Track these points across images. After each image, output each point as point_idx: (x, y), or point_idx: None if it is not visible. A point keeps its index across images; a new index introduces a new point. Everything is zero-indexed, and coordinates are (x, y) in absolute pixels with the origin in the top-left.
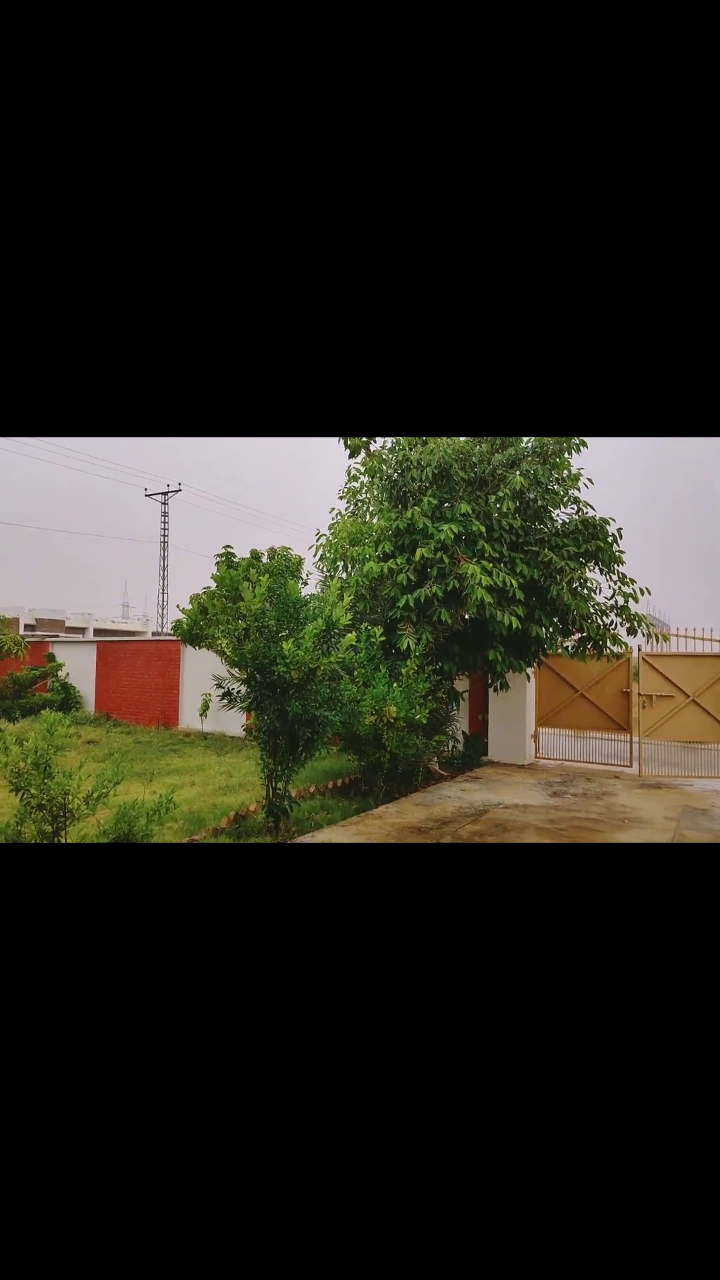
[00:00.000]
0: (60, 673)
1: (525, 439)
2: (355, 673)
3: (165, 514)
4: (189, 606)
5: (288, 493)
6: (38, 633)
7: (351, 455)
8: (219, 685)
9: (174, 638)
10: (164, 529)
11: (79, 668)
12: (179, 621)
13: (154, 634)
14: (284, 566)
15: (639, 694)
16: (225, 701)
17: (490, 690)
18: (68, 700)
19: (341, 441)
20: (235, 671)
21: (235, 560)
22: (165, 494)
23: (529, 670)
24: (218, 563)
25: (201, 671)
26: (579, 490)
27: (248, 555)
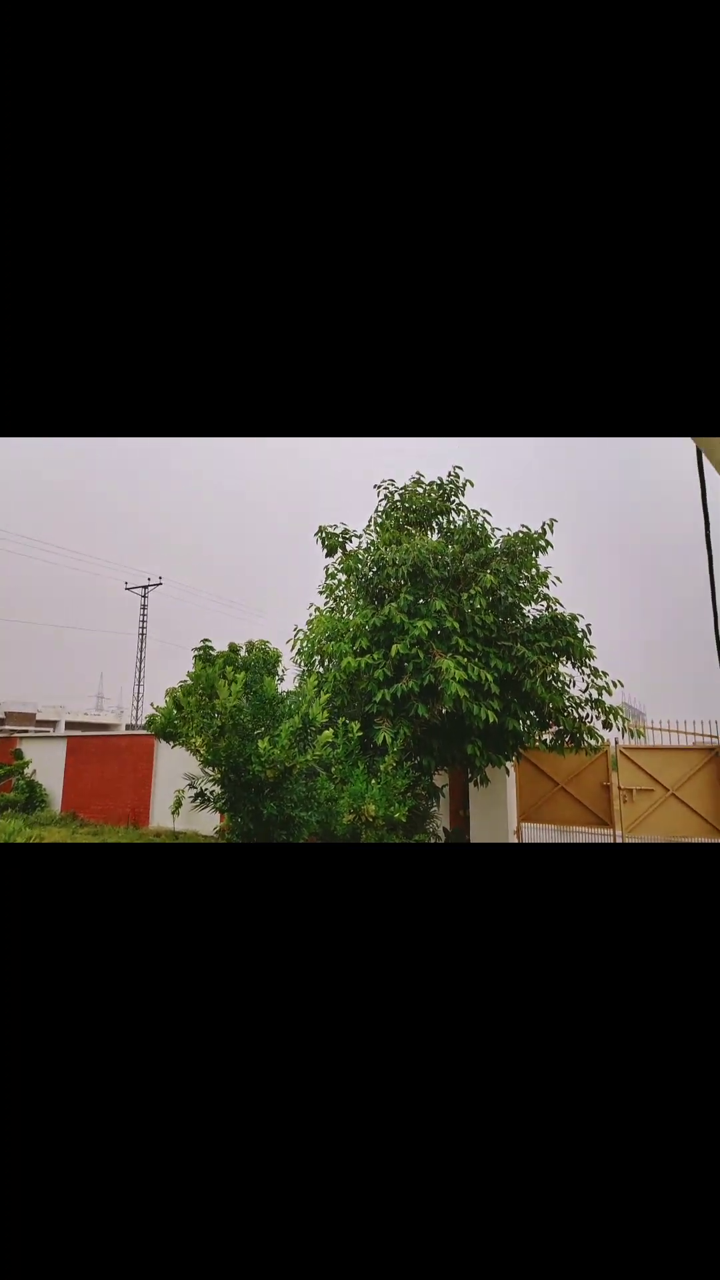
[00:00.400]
0: (27, 770)
1: (494, 540)
2: (333, 769)
3: (144, 606)
4: (164, 702)
5: (268, 584)
6: (7, 727)
7: (329, 554)
8: (191, 785)
9: (147, 733)
10: (142, 621)
11: (47, 764)
12: (153, 717)
13: (128, 727)
14: (261, 661)
15: (619, 788)
16: (198, 802)
17: (470, 785)
18: (32, 799)
19: (319, 540)
20: (209, 770)
21: (213, 654)
22: (145, 587)
23: (508, 764)
24: (195, 657)
25: (175, 767)
26: (548, 587)
27: (226, 649)
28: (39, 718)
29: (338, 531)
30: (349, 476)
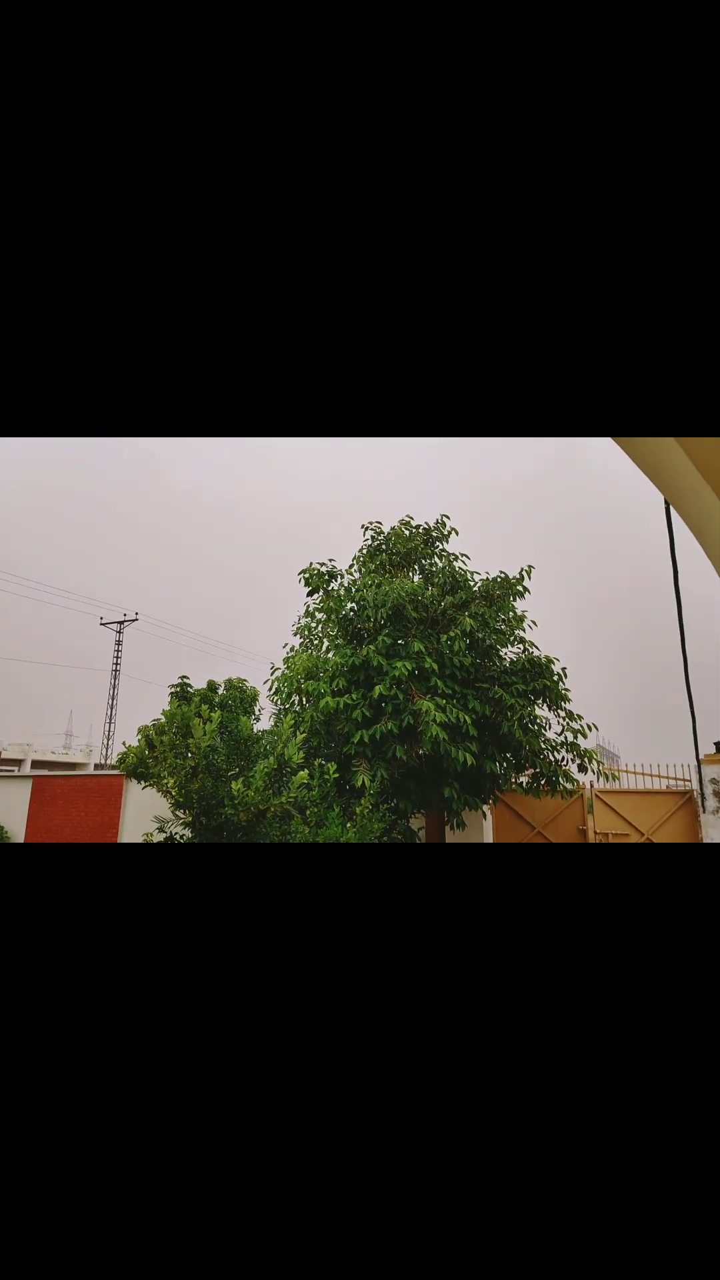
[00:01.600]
0: None
1: (473, 584)
2: (308, 812)
3: (119, 642)
4: (136, 740)
5: (246, 622)
6: None
7: (310, 593)
8: (160, 829)
9: (117, 772)
10: (116, 657)
11: (11, 804)
12: (124, 755)
13: (96, 766)
14: (238, 700)
15: (595, 832)
16: None
17: (446, 828)
18: None
19: (301, 579)
20: (180, 813)
21: (189, 692)
22: (120, 623)
23: (485, 807)
24: (172, 694)
25: (144, 809)
26: (524, 630)
27: (204, 685)
28: (4, 755)
29: (324, 570)
30: (336, 508)
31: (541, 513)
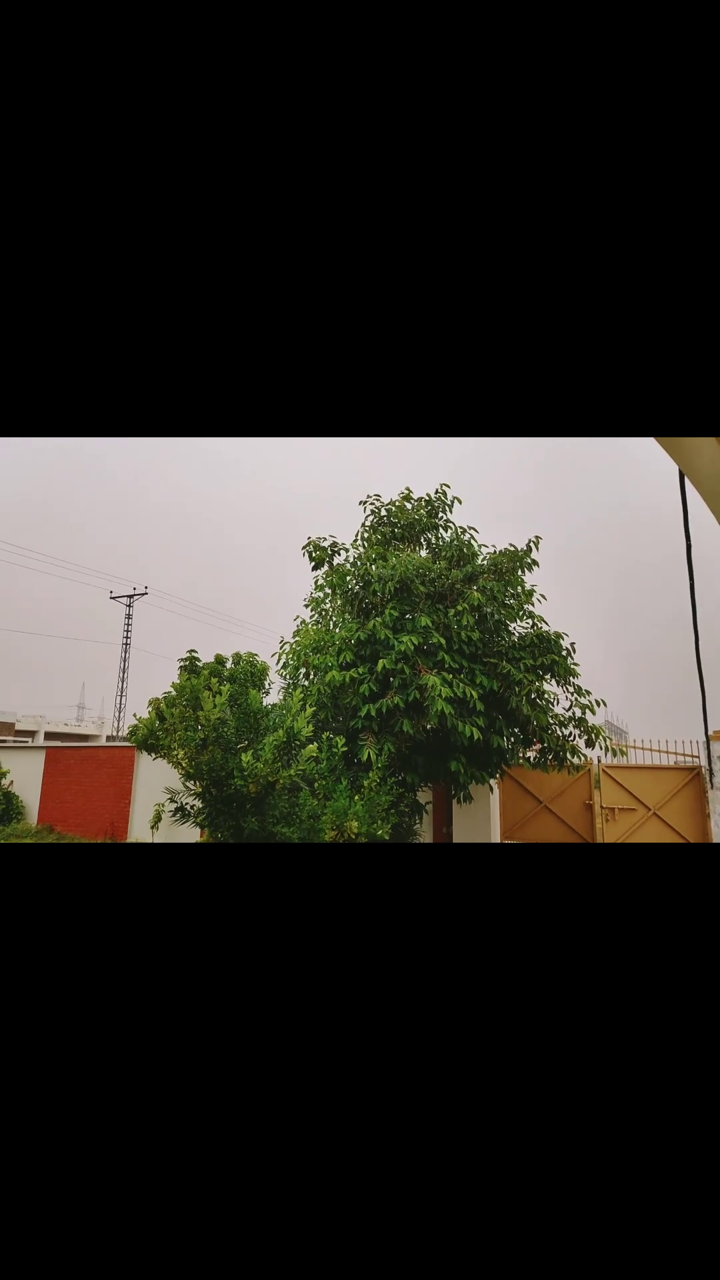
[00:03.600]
0: (4, 780)
1: (480, 558)
2: (316, 784)
3: (130, 616)
4: (147, 713)
5: (257, 596)
6: None
7: (315, 567)
8: (172, 799)
9: (129, 744)
10: (127, 631)
11: (25, 774)
12: (135, 727)
13: (109, 738)
14: (248, 673)
15: (601, 807)
16: (178, 816)
17: (454, 802)
18: (8, 811)
19: (305, 553)
20: (190, 784)
21: (199, 665)
22: (130, 596)
23: (492, 781)
24: (181, 668)
25: (156, 780)
26: (533, 605)
27: (212, 659)
28: (18, 727)
29: (325, 545)
30: (342, 490)
31: (549, 485)
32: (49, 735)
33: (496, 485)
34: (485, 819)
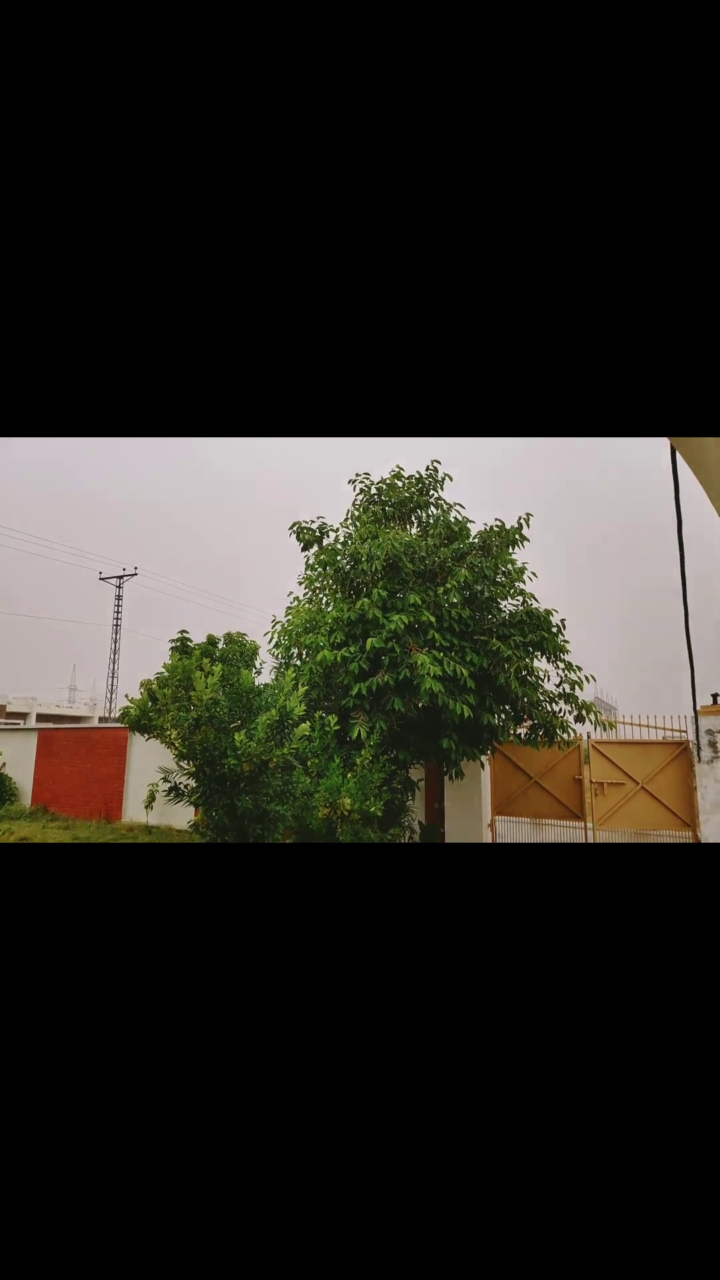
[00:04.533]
0: None
1: (470, 535)
2: (309, 763)
3: (119, 597)
4: (139, 694)
5: (247, 577)
6: None
7: (304, 548)
8: (165, 779)
9: (121, 725)
10: (117, 612)
11: (18, 756)
12: (127, 709)
13: (101, 719)
14: (239, 654)
15: (591, 781)
16: (172, 796)
17: (445, 779)
18: (2, 793)
19: (293, 534)
20: (184, 764)
21: (190, 646)
22: (120, 578)
23: (483, 758)
24: (172, 648)
25: (149, 761)
26: (523, 582)
27: (204, 640)
28: (10, 709)
29: (314, 526)
30: (334, 471)
31: (540, 461)
32: (41, 717)
33: (485, 454)
34: (477, 795)
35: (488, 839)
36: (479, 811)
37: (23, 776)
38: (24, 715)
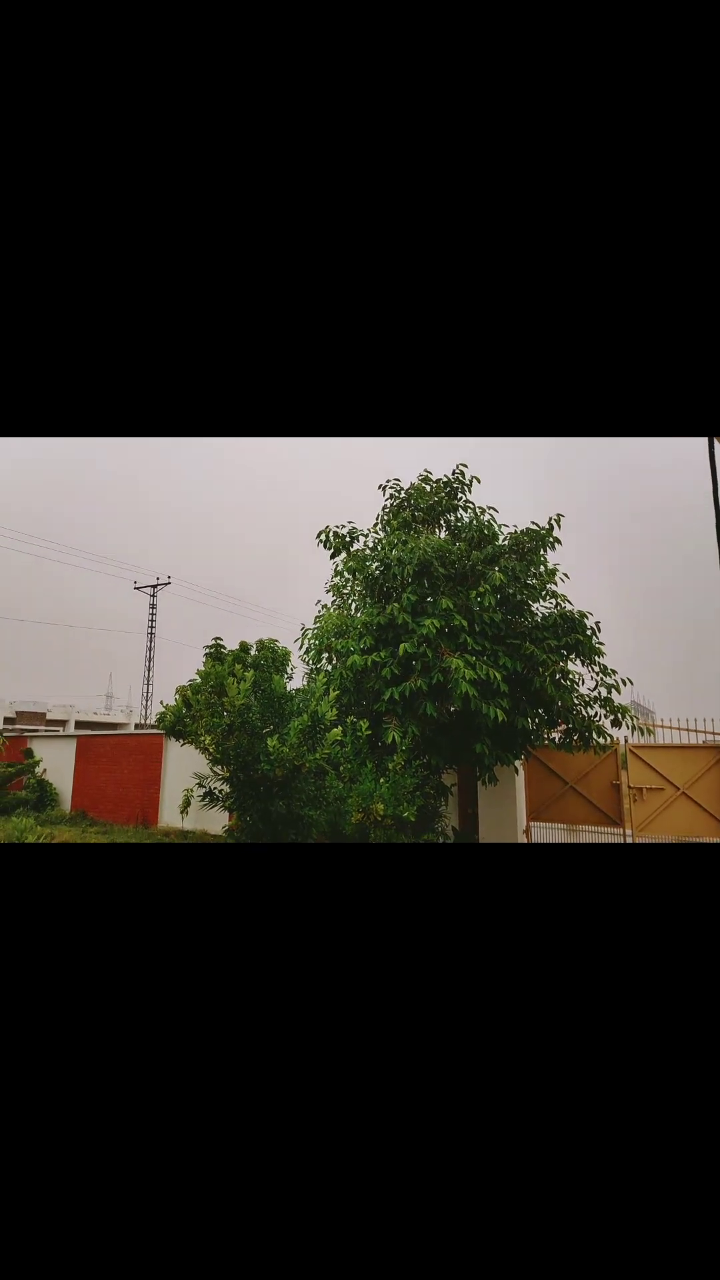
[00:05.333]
0: (37, 769)
1: (501, 538)
2: (341, 768)
3: (153, 605)
4: (174, 700)
5: (277, 585)
6: (17, 726)
7: (332, 555)
8: (200, 784)
9: (157, 731)
10: (151, 620)
11: (57, 763)
12: (163, 715)
13: (137, 726)
14: (271, 660)
15: (629, 787)
16: (207, 801)
17: (479, 784)
18: (43, 798)
19: (321, 542)
20: (218, 769)
21: (223, 653)
22: (154, 587)
23: (517, 763)
24: (206, 655)
25: (184, 766)
26: (556, 585)
27: (236, 647)
28: (49, 717)
29: (344, 532)
30: (362, 479)
31: (574, 459)
32: (79, 724)
33: (512, 453)
34: (510, 801)
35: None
36: (513, 817)
37: (62, 782)
38: (63, 722)
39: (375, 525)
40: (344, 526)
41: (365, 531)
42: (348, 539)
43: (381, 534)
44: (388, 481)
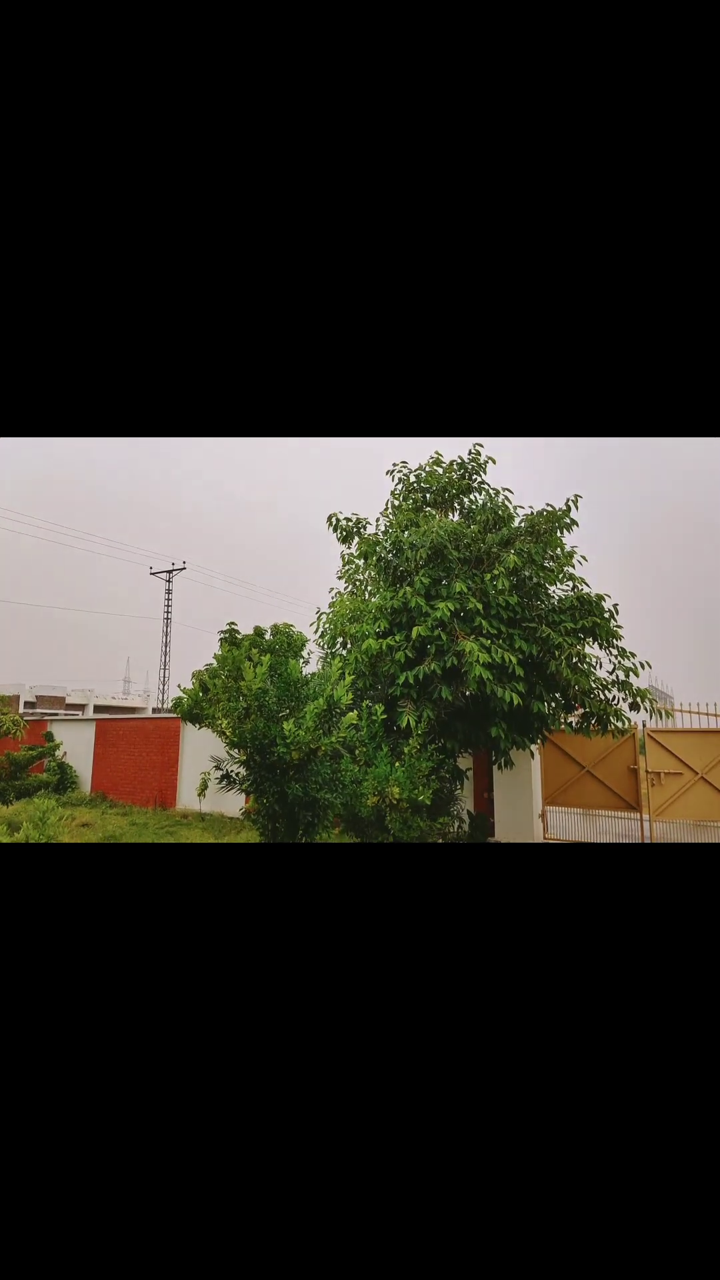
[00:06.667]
0: (58, 752)
1: (517, 520)
2: (357, 751)
3: (169, 590)
4: (190, 684)
5: (293, 570)
6: (37, 710)
7: (343, 541)
8: (217, 767)
9: (174, 715)
10: (167, 605)
11: (77, 746)
12: (179, 699)
13: (154, 710)
14: (286, 644)
15: (647, 771)
16: (224, 783)
17: (495, 768)
18: (63, 781)
19: (331, 527)
20: (235, 752)
21: (239, 638)
22: (170, 572)
23: (533, 747)
24: (221, 640)
25: (201, 749)
26: (573, 567)
27: (251, 632)
28: (68, 701)
29: (350, 520)
30: (373, 467)
31: (590, 444)
32: (98, 709)
33: (530, 448)
34: (527, 785)
35: (538, 829)
36: (529, 802)
37: (82, 765)
38: (82, 707)
39: (385, 509)
40: (351, 515)
41: (371, 520)
42: (355, 527)
43: (392, 517)
44: (396, 465)
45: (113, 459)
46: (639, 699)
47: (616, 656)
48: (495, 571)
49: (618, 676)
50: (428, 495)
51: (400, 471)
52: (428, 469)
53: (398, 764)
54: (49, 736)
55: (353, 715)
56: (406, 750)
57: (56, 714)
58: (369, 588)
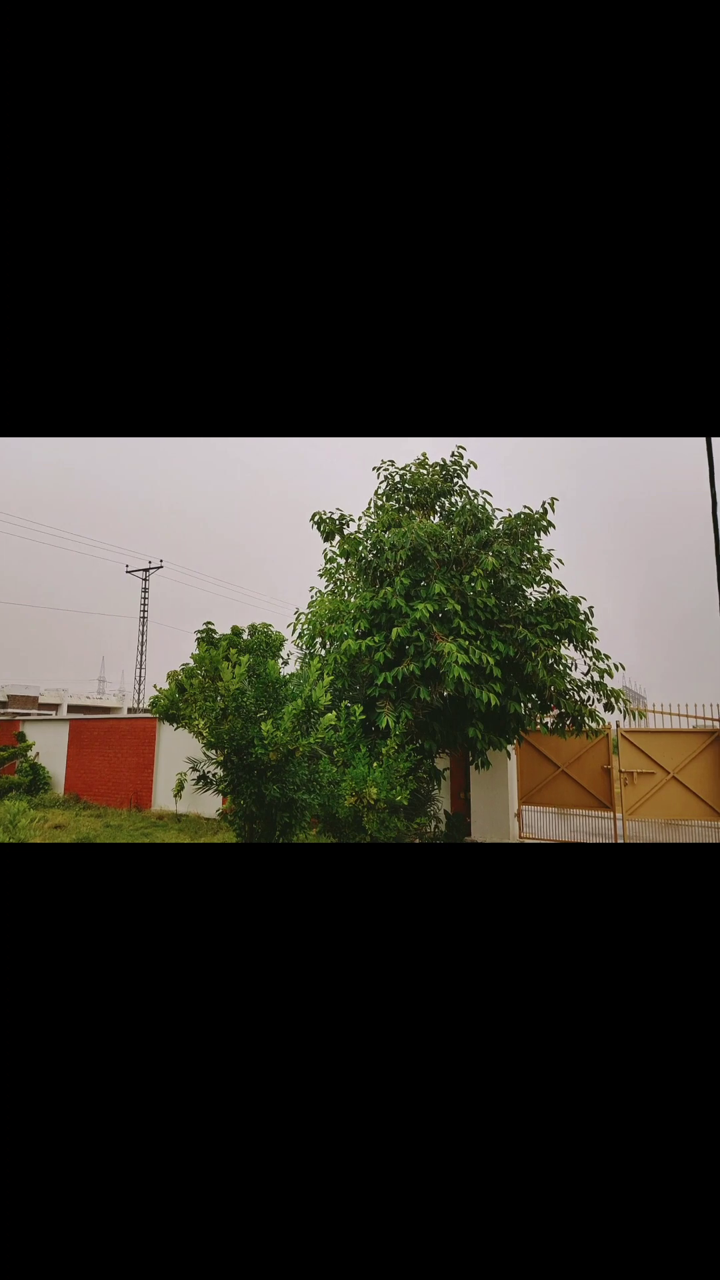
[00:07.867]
0: (30, 753)
1: (495, 523)
2: (335, 752)
3: (145, 589)
4: (166, 685)
5: (271, 569)
6: (9, 710)
7: (326, 539)
8: (194, 768)
9: (150, 715)
10: (144, 604)
11: (50, 747)
12: (156, 698)
13: (130, 710)
14: (264, 644)
15: (620, 771)
16: (200, 784)
17: (472, 768)
18: (36, 782)
19: (314, 525)
20: (212, 753)
21: (216, 637)
22: (146, 570)
23: (510, 747)
24: (198, 639)
25: (177, 750)
26: (550, 570)
27: (229, 631)
28: (41, 701)
29: (334, 517)
30: (358, 466)
31: (567, 445)
32: (72, 708)
33: (509, 449)
34: (503, 784)
35: (514, 829)
36: (505, 801)
37: (55, 766)
38: (55, 706)
39: (369, 508)
40: (334, 511)
41: (356, 517)
42: (339, 524)
43: (375, 517)
44: (382, 464)
45: (89, 455)
46: (613, 700)
47: (591, 658)
48: (474, 573)
49: (592, 678)
50: (410, 496)
51: (387, 469)
52: (413, 470)
53: (375, 764)
54: (21, 737)
55: (331, 716)
56: (384, 751)
57: (29, 714)
58: (349, 588)
